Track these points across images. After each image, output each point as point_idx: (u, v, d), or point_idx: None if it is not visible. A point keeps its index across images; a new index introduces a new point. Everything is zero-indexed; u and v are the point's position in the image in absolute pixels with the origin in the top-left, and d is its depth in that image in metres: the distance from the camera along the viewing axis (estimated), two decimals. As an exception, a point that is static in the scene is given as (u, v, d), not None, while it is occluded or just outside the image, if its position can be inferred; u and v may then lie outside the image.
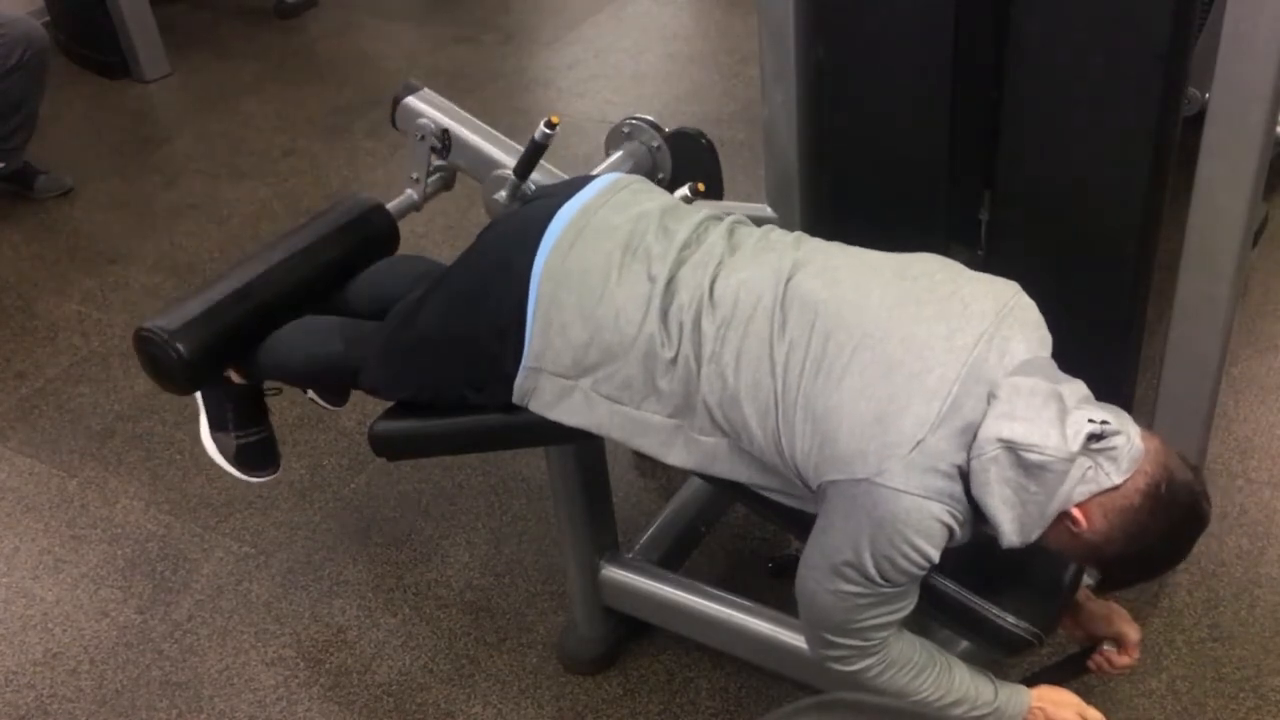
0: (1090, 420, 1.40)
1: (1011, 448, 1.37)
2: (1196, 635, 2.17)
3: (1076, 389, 1.45)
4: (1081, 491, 1.39)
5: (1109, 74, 1.80)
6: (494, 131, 2.18)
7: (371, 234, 2.07)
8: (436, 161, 2.17)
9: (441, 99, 2.22)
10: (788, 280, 1.54)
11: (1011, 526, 1.41)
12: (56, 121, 3.93)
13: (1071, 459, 1.37)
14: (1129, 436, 1.41)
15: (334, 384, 2.09)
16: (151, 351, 1.87)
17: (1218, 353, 1.94)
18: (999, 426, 1.38)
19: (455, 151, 2.15)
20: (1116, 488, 1.39)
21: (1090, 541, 1.43)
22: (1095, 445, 1.39)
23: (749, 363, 1.51)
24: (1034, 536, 1.43)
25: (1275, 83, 1.64)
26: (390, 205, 2.12)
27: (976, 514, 1.44)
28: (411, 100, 2.19)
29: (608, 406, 1.60)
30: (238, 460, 2.06)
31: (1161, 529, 1.42)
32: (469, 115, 2.21)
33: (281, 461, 2.13)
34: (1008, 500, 1.39)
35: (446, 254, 1.90)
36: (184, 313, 1.88)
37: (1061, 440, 1.37)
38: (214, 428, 2.04)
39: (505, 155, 2.12)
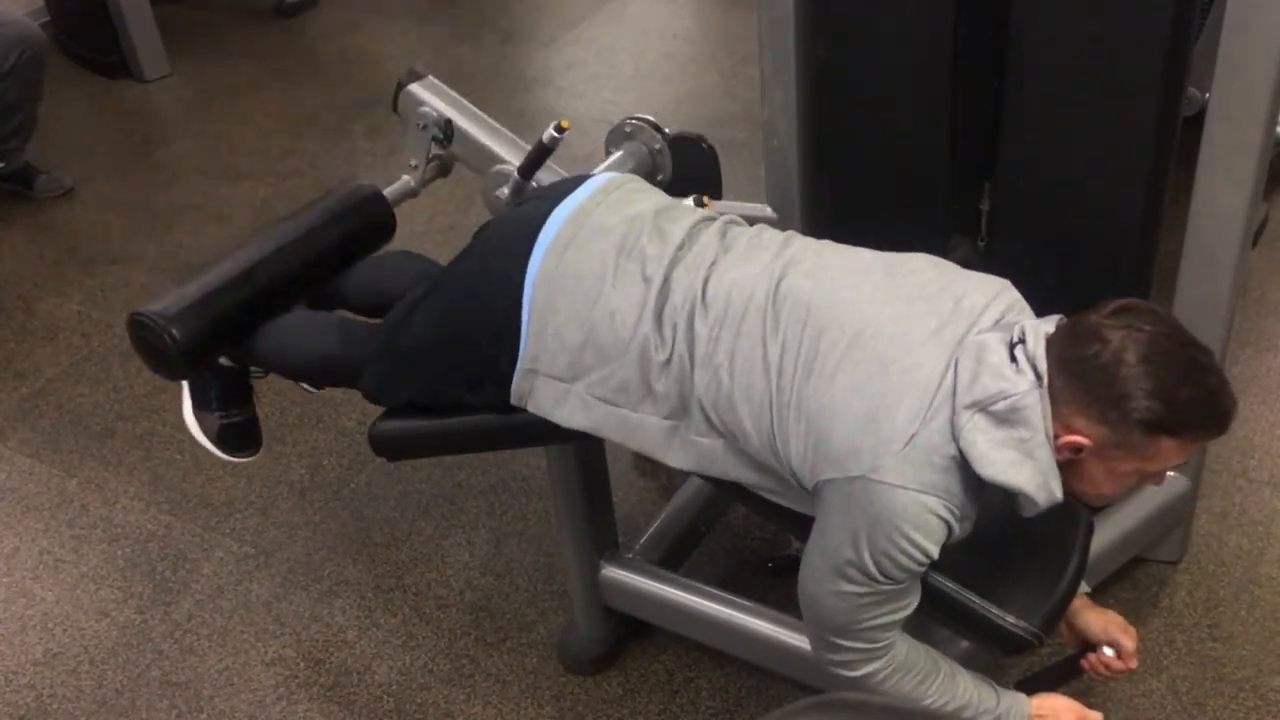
0: (1019, 342, 1.40)
1: (981, 407, 1.37)
2: (1196, 635, 2.17)
3: (1023, 327, 1.44)
4: (1048, 410, 1.37)
5: (1109, 74, 1.80)
6: (496, 124, 2.18)
7: (368, 221, 2.06)
8: (436, 150, 2.16)
9: (445, 88, 2.21)
10: (779, 280, 1.54)
11: (1033, 483, 1.38)
12: (56, 121, 3.92)
13: (1035, 385, 1.37)
14: (1035, 334, 1.41)
15: (326, 382, 2.09)
16: (146, 337, 1.86)
17: (1218, 353, 1.94)
18: (962, 396, 1.38)
19: (457, 142, 2.14)
20: (1051, 385, 1.37)
21: (1110, 439, 1.38)
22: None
23: (742, 364, 1.51)
24: (1058, 491, 1.40)
25: (1275, 83, 1.65)
26: (387, 191, 2.11)
27: (974, 501, 1.43)
28: (415, 88, 2.18)
29: (604, 409, 1.61)
30: (220, 440, 2.05)
31: (1123, 362, 1.36)
32: (472, 106, 2.20)
33: (262, 444, 2.11)
34: (1013, 461, 1.37)
35: (445, 253, 1.89)
36: (180, 298, 1.87)
37: (1017, 375, 1.38)
38: (197, 406, 2.04)
39: (507, 150, 2.11)
